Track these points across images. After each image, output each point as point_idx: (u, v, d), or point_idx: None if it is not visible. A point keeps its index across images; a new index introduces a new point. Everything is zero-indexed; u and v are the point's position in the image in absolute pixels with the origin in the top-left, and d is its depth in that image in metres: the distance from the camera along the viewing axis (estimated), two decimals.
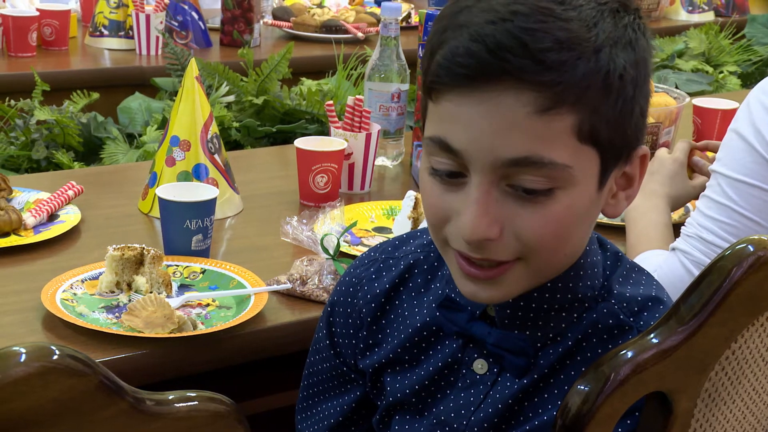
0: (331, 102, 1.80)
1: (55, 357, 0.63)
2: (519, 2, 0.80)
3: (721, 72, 2.97)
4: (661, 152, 1.61)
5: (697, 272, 1.31)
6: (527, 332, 0.91)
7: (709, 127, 2.03)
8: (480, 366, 0.94)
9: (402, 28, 1.89)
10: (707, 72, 2.95)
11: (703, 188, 1.40)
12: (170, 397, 0.69)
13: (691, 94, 2.41)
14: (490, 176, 0.81)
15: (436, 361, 0.96)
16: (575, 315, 0.91)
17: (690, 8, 3.66)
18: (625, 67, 0.82)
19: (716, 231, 1.32)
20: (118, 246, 1.31)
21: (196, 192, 1.43)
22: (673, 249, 1.36)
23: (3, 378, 0.62)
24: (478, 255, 0.84)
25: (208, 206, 1.40)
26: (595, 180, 0.84)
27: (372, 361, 1.01)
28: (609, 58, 0.80)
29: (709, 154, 1.62)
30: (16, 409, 0.62)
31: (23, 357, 0.63)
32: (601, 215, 0.90)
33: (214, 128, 1.60)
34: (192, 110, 1.57)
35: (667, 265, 1.35)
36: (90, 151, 2.01)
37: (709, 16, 3.65)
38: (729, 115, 1.95)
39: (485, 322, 0.93)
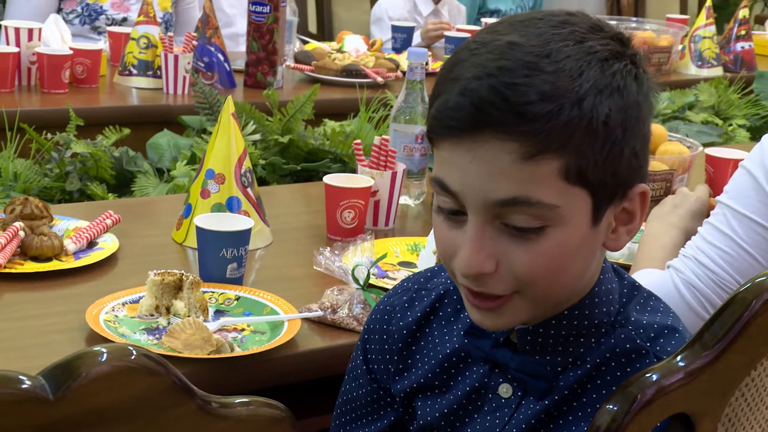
0: (359, 141, 1.86)
1: (134, 357, 0.69)
2: (506, 57, 0.85)
3: (731, 125, 3.04)
4: (685, 189, 1.67)
5: (686, 291, 1.34)
6: (547, 357, 0.96)
7: (721, 176, 2.09)
8: (505, 390, 0.99)
9: None
10: (717, 124, 3.02)
11: None
12: (235, 401, 0.74)
13: (702, 145, 2.46)
14: (484, 215, 0.88)
15: (464, 386, 1.01)
16: (593, 340, 0.96)
17: (699, 63, 3.76)
18: (610, 114, 0.86)
19: (713, 257, 1.35)
20: (159, 271, 1.37)
21: (232, 222, 1.49)
22: (669, 266, 1.39)
23: (87, 375, 0.67)
24: (478, 288, 0.90)
25: (244, 236, 1.46)
26: (587, 218, 0.89)
27: (403, 386, 1.06)
28: (592, 105, 0.85)
29: None
30: (99, 403, 0.67)
31: (104, 356, 0.68)
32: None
33: (247, 163, 1.66)
34: (227, 145, 1.64)
35: (659, 280, 1.37)
36: (121, 184, 2.07)
37: (717, 71, 3.73)
38: None
39: (508, 348, 0.98)
